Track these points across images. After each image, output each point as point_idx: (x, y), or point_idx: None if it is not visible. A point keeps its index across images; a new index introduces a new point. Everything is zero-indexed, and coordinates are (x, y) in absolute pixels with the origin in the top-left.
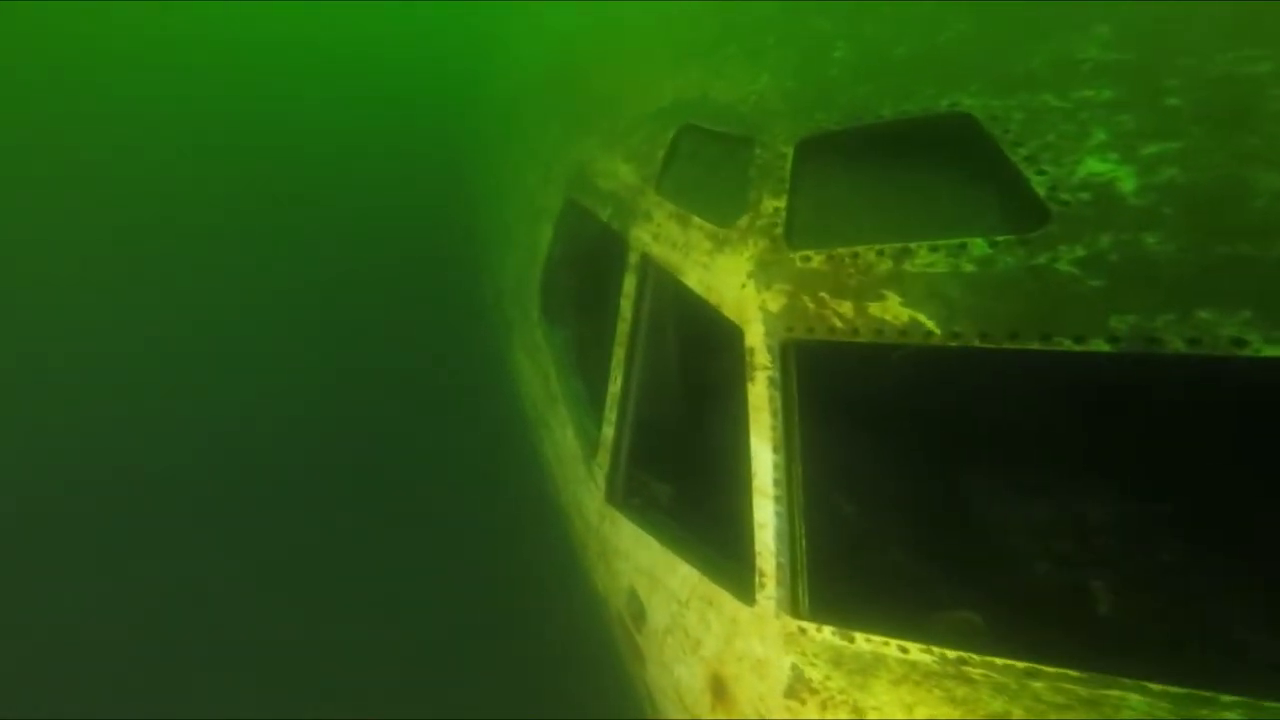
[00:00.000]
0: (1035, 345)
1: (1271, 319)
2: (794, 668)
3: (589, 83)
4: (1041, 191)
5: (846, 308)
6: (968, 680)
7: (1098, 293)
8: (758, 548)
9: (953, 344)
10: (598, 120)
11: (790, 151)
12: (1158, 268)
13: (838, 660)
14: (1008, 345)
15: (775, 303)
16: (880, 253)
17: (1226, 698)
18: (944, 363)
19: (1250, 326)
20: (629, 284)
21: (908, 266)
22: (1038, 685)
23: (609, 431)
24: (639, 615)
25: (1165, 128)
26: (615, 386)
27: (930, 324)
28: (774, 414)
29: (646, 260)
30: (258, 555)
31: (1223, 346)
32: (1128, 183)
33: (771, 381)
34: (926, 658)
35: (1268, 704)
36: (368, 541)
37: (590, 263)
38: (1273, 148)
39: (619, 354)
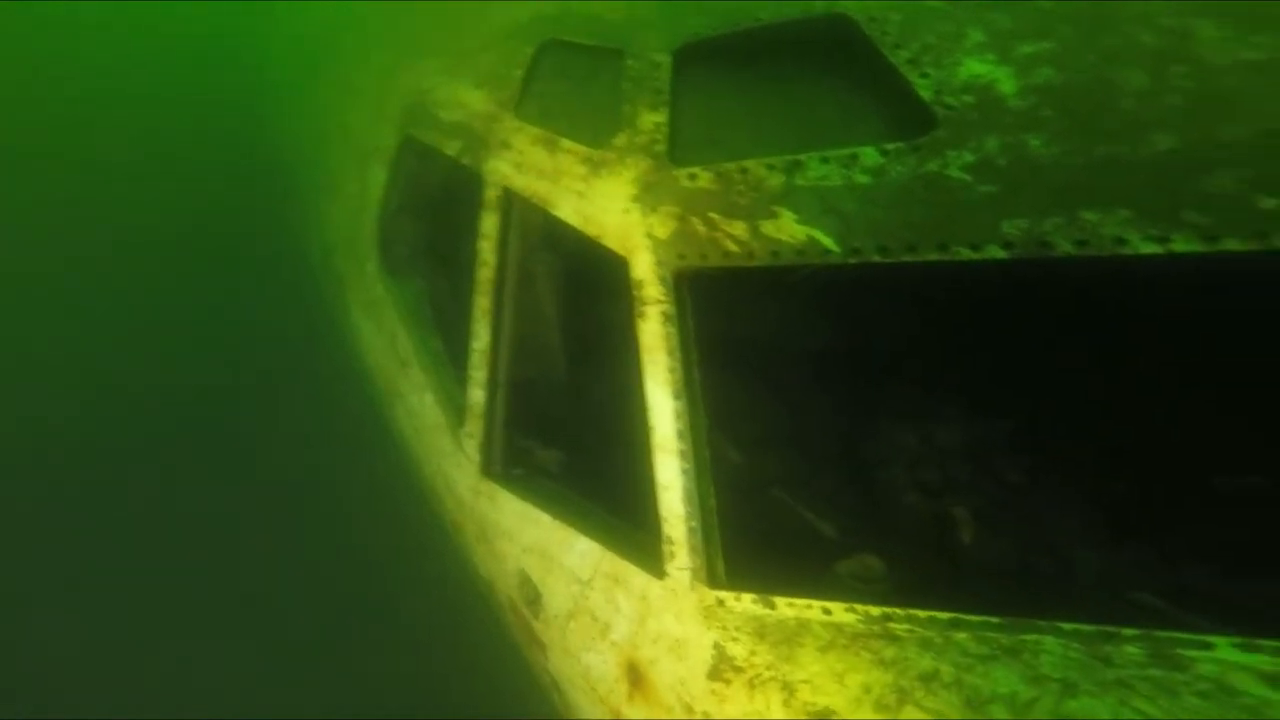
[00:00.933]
0: (933, 256)
1: (1146, 217)
2: (716, 646)
3: (417, 4)
4: (927, 96)
5: (740, 229)
6: (894, 638)
7: (989, 199)
8: (663, 512)
9: (852, 261)
10: (435, 45)
11: (667, 61)
12: (1043, 171)
13: (761, 631)
14: (907, 258)
15: (663, 228)
16: (771, 167)
17: (1128, 631)
18: (846, 283)
19: (1129, 225)
20: (488, 223)
21: (800, 180)
22: (961, 636)
23: (477, 394)
24: (534, 600)
25: (1038, 27)
26: (481, 342)
27: (828, 241)
28: (670, 354)
29: (508, 195)
30: (86, 552)
31: (1107, 247)
32: (1007, 84)
33: (665, 317)
34: (851, 617)
35: (1159, 633)
36: (203, 543)
37: (439, 205)
38: (1132, 47)
39: (482, 304)
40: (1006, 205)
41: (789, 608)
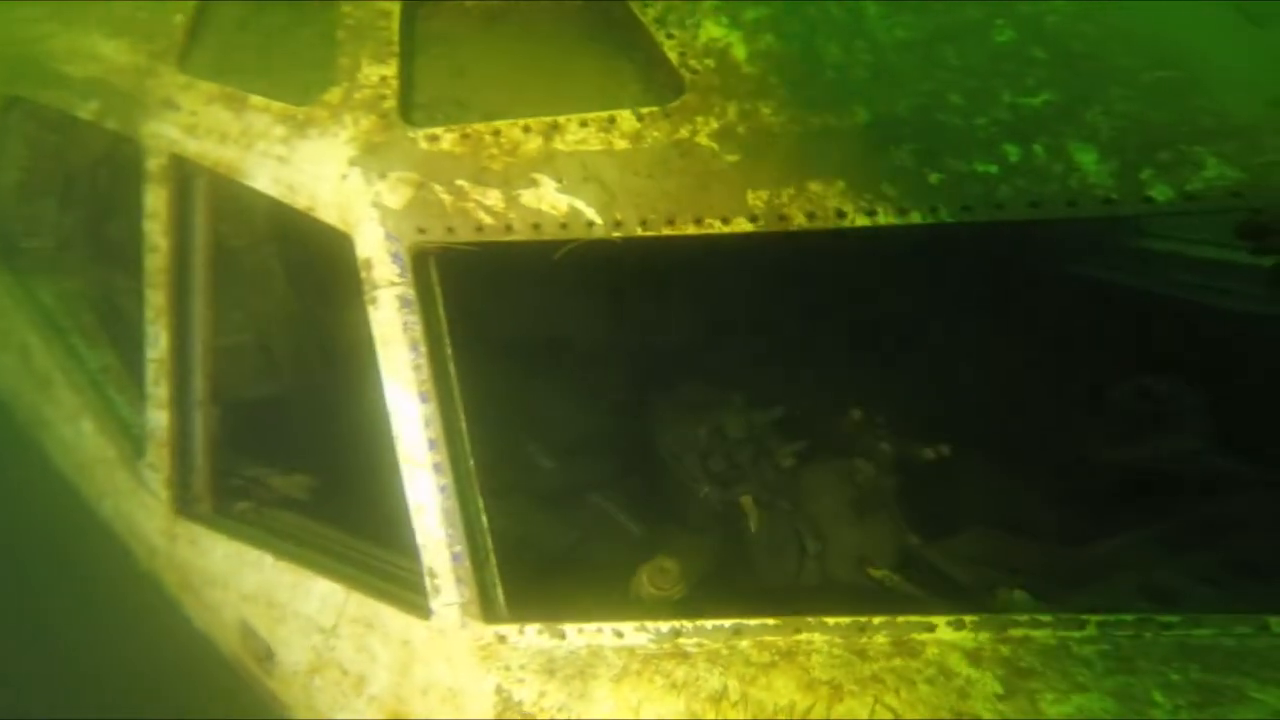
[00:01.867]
0: (691, 229)
1: (857, 188)
2: (499, 690)
3: None
4: (674, 58)
5: (495, 198)
6: (684, 656)
7: (735, 168)
8: (421, 539)
9: (617, 234)
10: None
11: (397, 9)
12: (775, 140)
13: (550, 668)
14: (667, 231)
15: (396, 196)
16: (527, 129)
17: (877, 620)
18: (613, 259)
19: (845, 197)
20: (154, 200)
21: (559, 144)
22: (744, 645)
23: (158, 416)
24: (265, 655)
25: None
26: (158, 350)
27: (590, 212)
28: (413, 348)
29: (180, 164)
30: None
31: (831, 219)
32: (739, 49)
33: (403, 302)
34: (642, 637)
35: (899, 619)
36: None
37: (75, 180)
38: (826, 19)
39: (155, 301)
40: (750, 175)
41: (580, 635)
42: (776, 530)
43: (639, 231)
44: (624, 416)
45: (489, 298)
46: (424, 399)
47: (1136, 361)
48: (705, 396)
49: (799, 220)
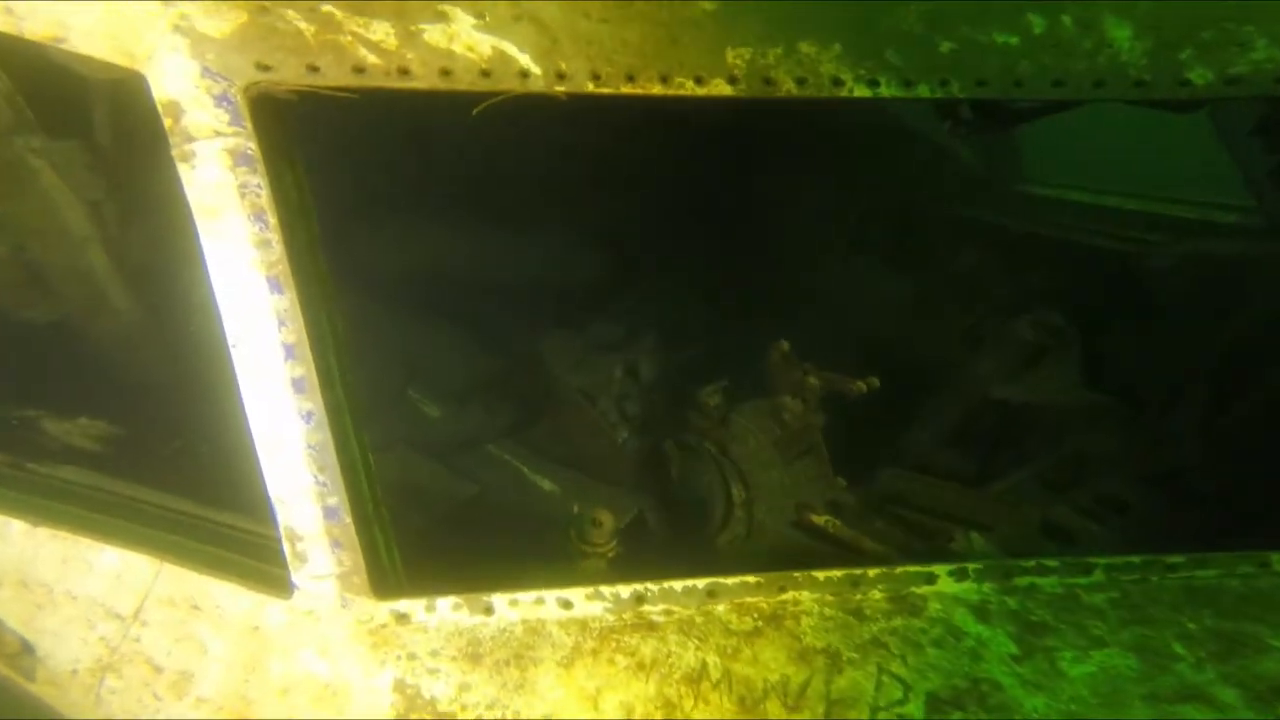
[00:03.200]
0: (656, 89)
1: (857, 52)
2: (401, 686)
3: None
4: None
5: (384, 32)
6: (650, 627)
7: (712, 18)
8: (275, 489)
9: (560, 90)
10: None
11: None
12: None
13: (475, 652)
14: (626, 90)
15: (220, 21)
16: None
17: (872, 572)
18: (550, 121)
19: (842, 62)
20: None
21: None
22: (721, 609)
23: None
24: (16, 651)
25: None
26: None
27: (524, 59)
28: (257, 218)
29: None
30: None
31: (825, 87)
32: None
33: (240, 160)
34: (596, 607)
35: (896, 570)
36: None
37: None
38: None
39: None
40: (731, 28)
41: (513, 609)
42: (701, 477)
43: (589, 88)
44: (521, 359)
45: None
46: (276, 288)
47: (1020, 299)
48: (615, 336)
49: (787, 86)
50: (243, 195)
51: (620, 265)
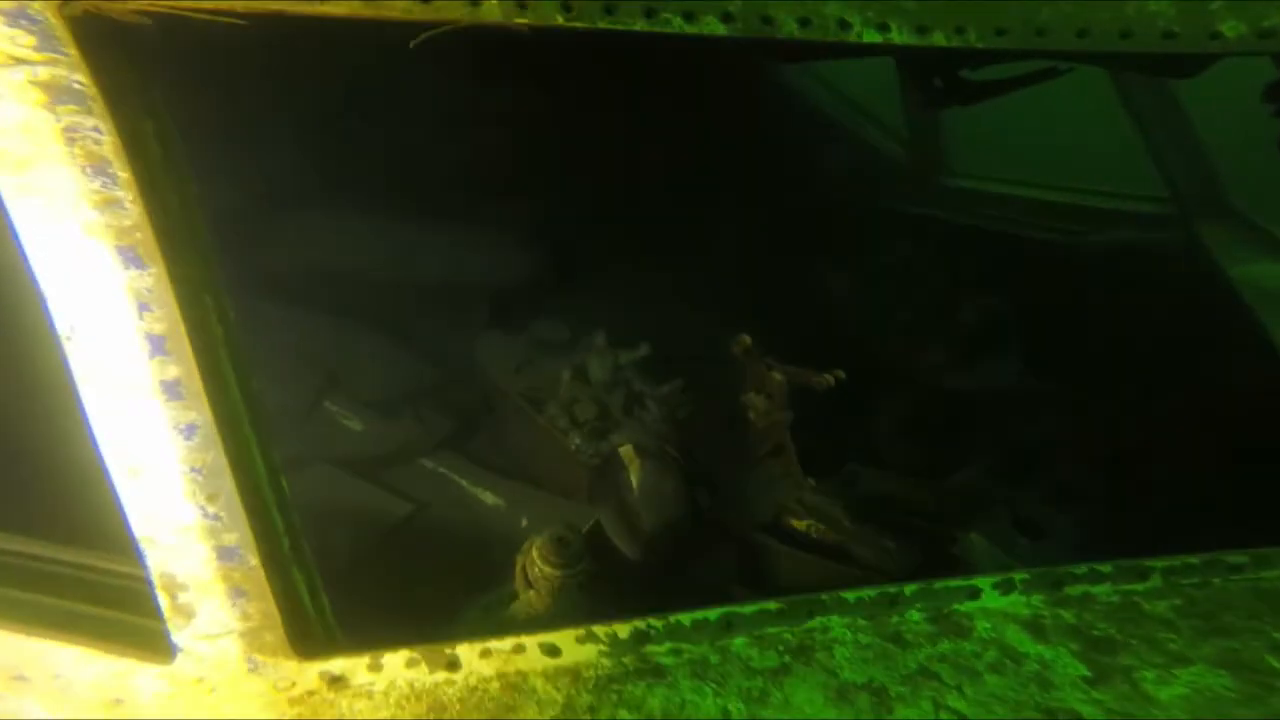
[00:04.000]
0: (640, 24)
1: None
2: None
3: None
4: None
5: None
6: (657, 672)
7: None
8: (142, 528)
9: (522, 20)
10: None
11: None
12: None
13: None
14: (604, 24)
15: None
16: None
17: (909, 589)
18: (502, 57)
19: (850, 3)
20: None
21: None
22: (739, 644)
23: None
24: None
25: None
26: None
27: None
28: (99, 172)
29: None
30: None
31: (830, 30)
32: None
33: (61, 96)
34: (591, 652)
35: (936, 585)
36: None
37: None
38: None
39: None
40: None
41: (484, 660)
42: (663, 483)
43: (558, 20)
44: (455, 364)
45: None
46: (134, 261)
47: (953, 290)
48: (559, 335)
49: (789, 27)
50: (70, 141)
51: (559, 258)
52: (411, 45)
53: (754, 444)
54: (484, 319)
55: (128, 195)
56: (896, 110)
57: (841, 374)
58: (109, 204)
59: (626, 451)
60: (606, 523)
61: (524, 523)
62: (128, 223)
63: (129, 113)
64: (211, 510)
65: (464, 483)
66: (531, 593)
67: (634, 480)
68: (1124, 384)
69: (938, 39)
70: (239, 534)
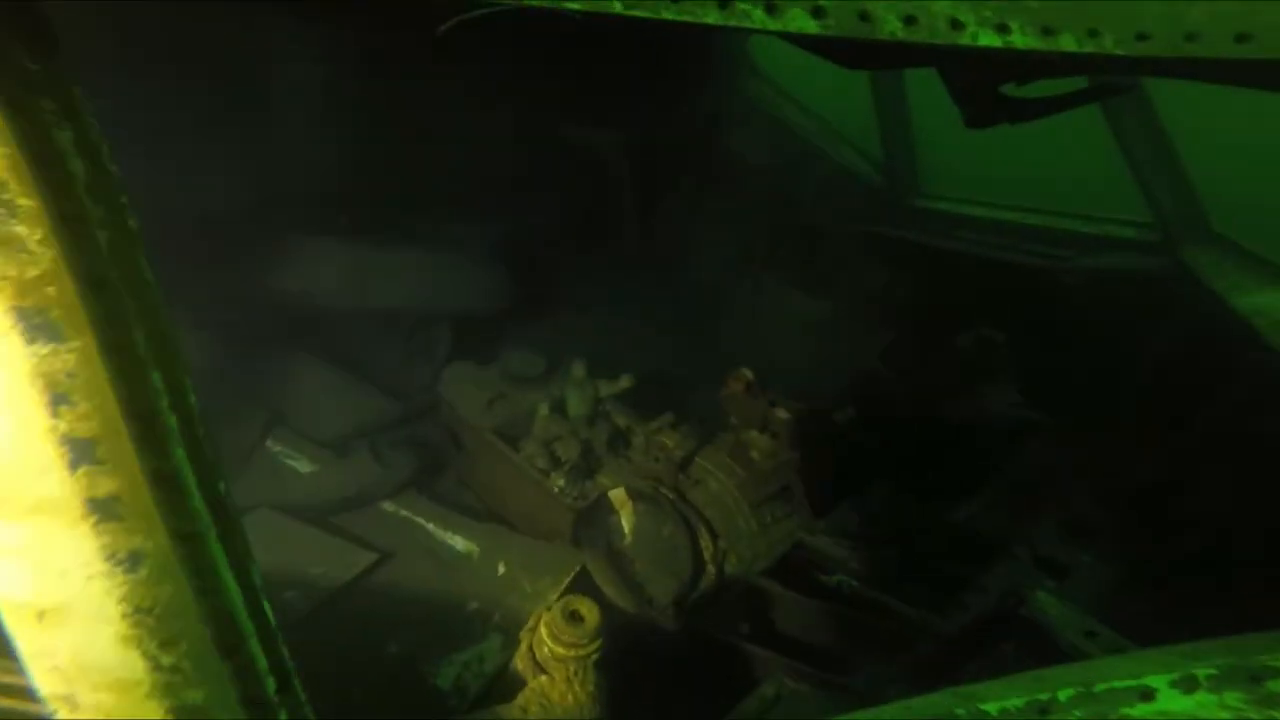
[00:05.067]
0: (712, 16)
1: None
2: None
3: None
4: None
5: None
6: None
7: None
8: (20, 630)
9: (574, 7)
10: None
11: None
12: None
13: None
14: (667, 15)
15: None
16: None
17: (1063, 693)
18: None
19: (962, 2)
20: None
21: None
22: None
23: None
24: None
25: None
26: None
27: None
28: None
29: None
30: None
31: (941, 31)
32: None
33: None
34: None
35: (1098, 687)
36: None
37: None
38: None
39: None
40: None
41: None
42: (659, 528)
43: (616, 7)
44: (417, 398)
45: None
46: (44, 330)
47: (934, 315)
48: (534, 367)
49: (890, 26)
50: None
51: (529, 281)
52: (440, 31)
53: (756, 486)
54: (447, 349)
55: (33, 234)
56: (871, 131)
57: (851, 411)
58: (3, 246)
59: (617, 495)
60: (595, 570)
61: (500, 570)
62: (33, 273)
63: (35, 117)
64: (167, 661)
65: (431, 527)
66: (544, 679)
67: (625, 525)
68: (1123, 413)
69: (1066, 43)
70: (207, 689)
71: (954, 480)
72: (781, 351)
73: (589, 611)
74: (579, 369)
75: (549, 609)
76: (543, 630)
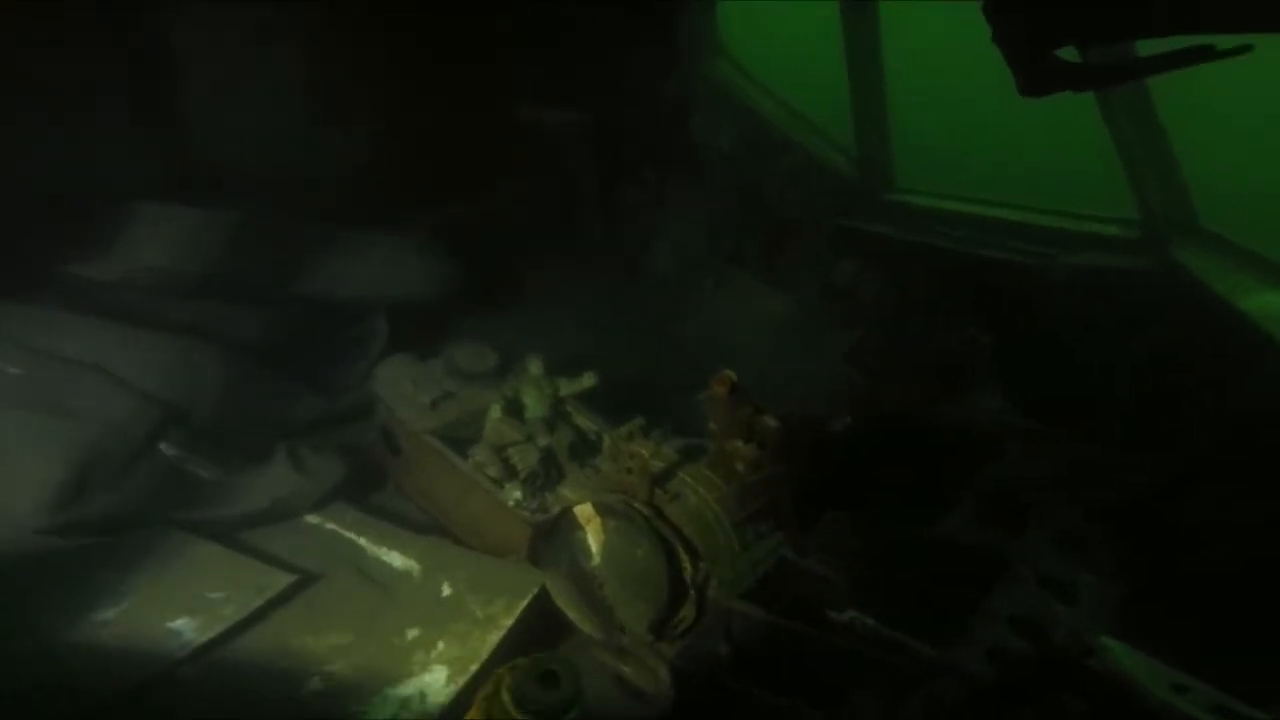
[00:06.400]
0: None
1: None
2: None
3: None
4: None
5: None
6: None
7: None
8: None
9: None
10: None
11: None
12: None
13: None
14: None
15: None
16: None
17: None
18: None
19: None
20: None
21: None
22: None
23: None
24: None
25: None
26: None
27: None
28: None
29: None
30: None
31: None
32: None
33: None
34: None
35: None
36: None
37: None
38: None
39: None
40: None
41: None
42: (633, 548)
43: None
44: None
45: None
46: None
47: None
48: (484, 362)
49: None
50: None
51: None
52: None
53: (741, 500)
54: (382, 341)
55: None
56: (845, 123)
57: (848, 419)
58: None
59: (583, 511)
60: (555, 592)
61: (445, 590)
62: None
63: None
64: None
65: (363, 542)
66: None
67: (593, 543)
68: (1116, 418)
69: None
70: None
71: (936, 492)
72: (746, 348)
73: (566, 674)
74: (535, 364)
75: (513, 668)
76: (505, 695)
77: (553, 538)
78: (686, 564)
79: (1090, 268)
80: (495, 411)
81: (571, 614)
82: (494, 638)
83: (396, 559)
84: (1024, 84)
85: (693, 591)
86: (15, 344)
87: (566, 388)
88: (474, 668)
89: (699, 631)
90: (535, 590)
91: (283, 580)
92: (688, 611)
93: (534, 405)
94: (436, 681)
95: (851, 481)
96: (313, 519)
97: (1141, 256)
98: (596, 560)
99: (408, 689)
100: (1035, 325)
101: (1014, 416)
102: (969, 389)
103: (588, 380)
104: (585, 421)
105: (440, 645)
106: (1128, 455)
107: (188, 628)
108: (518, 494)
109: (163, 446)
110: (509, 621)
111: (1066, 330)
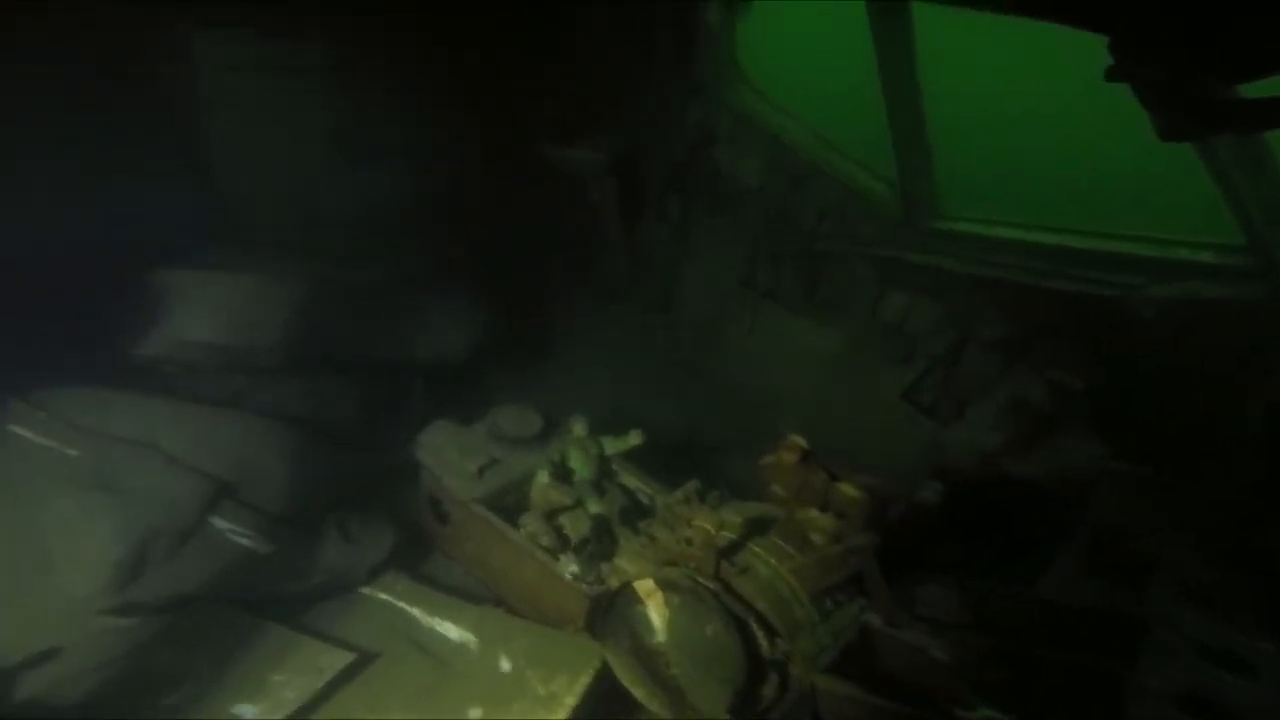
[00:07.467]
0: None
1: None
2: None
3: None
4: None
5: None
6: None
7: None
8: None
9: None
10: None
11: None
12: None
13: None
14: None
15: None
16: None
17: None
18: None
19: None
20: None
21: None
22: None
23: None
24: None
25: None
26: None
27: None
28: None
29: None
30: None
31: None
32: None
33: None
34: None
35: None
36: None
37: None
38: None
39: None
40: None
41: None
42: (701, 625)
43: None
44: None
45: None
46: None
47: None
48: (530, 425)
49: None
50: None
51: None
52: None
53: (821, 572)
54: (420, 400)
55: None
56: (879, 147)
57: (939, 488)
58: None
59: (643, 586)
60: (618, 667)
61: (504, 665)
62: None
63: None
64: None
65: (417, 613)
66: None
67: (655, 619)
68: (1235, 460)
69: None
70: None
71: (1032, 545)
72: (792, 388)
73: None
74: (579, 425)
75: None
76: None
77: (611, 612)
78: (763, 641)
79: (1189, 299)
80: (543, 477)
81: (637, 692)
82: (559, 717)
83: (452, 630)
84: (1165, 128)
85: (772, 671)
86: (71, 425)
87: (612, 446)
88: None
89: (783, 711)
90: (597, 665)
91: (342, 660)
92: (769, 691)
93: (581, 468)
94: None
95: (938, 539)
96: (365, 589)
97: (1248, 285)
98: (662, 637)
99: None
100: (1133, 363)
101: (1111, 461)
102: (1058, 434)
103: (634, 439)
104: (634, 480)
105: None
106: (1256, 499)
107: (251, 713)
108: (574, 568)
109: (214, 521)
110: (572, 701)
111: (1170, 367)
